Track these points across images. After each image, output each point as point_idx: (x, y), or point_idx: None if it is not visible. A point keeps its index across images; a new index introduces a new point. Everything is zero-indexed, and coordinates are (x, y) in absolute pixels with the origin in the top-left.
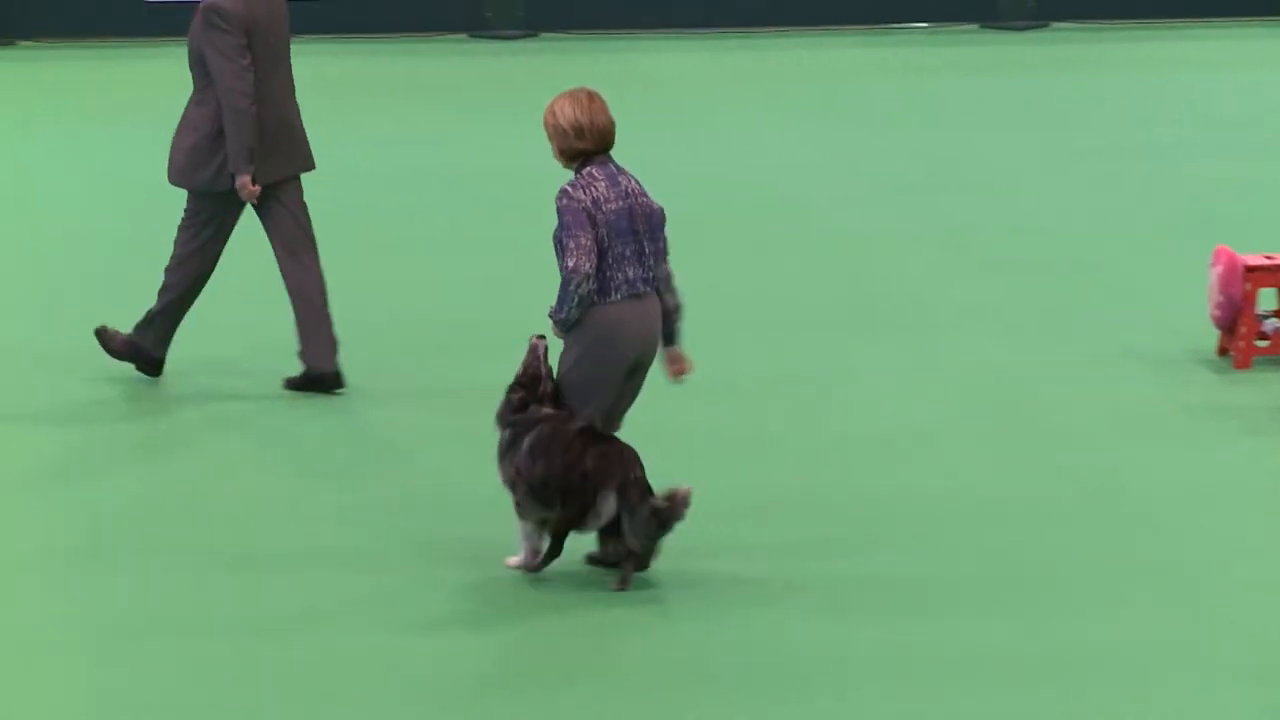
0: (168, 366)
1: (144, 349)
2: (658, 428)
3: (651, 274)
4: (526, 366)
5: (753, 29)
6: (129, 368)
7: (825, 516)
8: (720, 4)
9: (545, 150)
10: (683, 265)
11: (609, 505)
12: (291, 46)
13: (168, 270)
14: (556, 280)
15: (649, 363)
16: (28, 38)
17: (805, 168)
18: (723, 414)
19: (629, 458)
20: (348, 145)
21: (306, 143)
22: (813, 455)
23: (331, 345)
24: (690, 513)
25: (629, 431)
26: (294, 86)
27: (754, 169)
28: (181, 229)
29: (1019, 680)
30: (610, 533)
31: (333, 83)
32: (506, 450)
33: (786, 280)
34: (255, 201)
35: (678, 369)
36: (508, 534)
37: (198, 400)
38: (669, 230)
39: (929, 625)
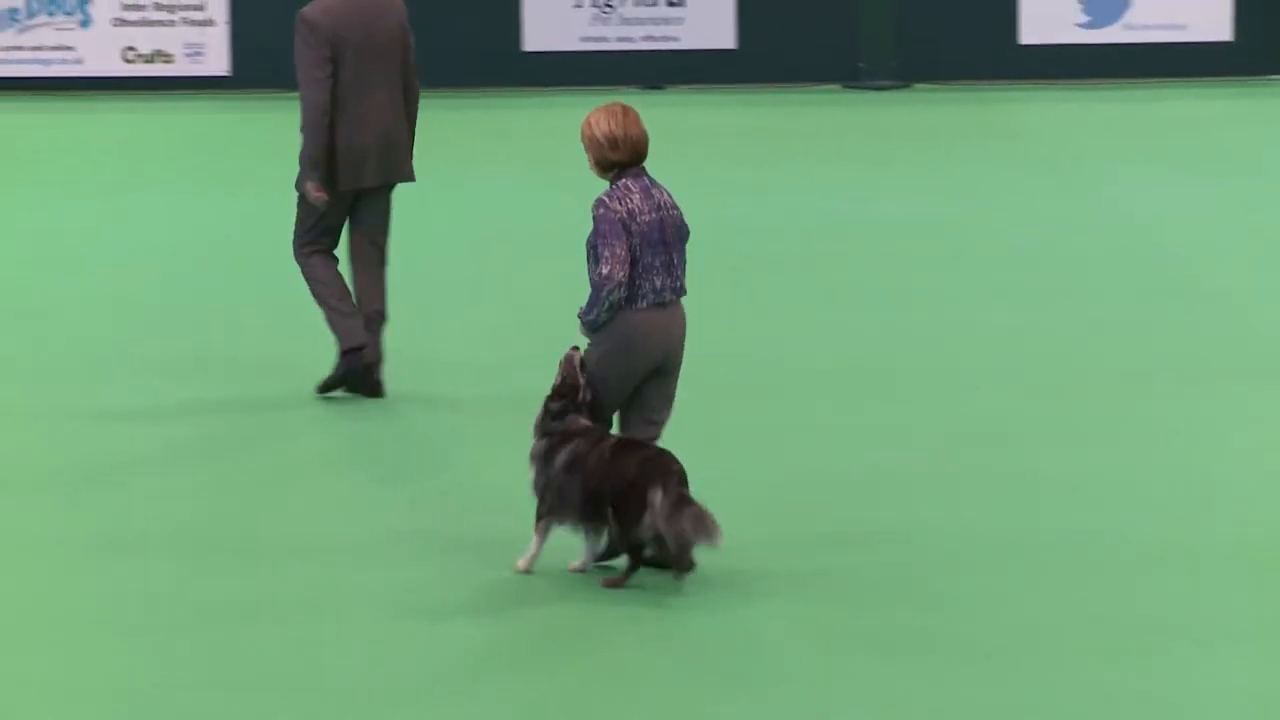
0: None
1: (347, 370)
2: (1045, 471)
3: (676, 283)
4: (564, 377)
5: (1121, 79)
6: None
7: (1208, 559)
8: (1090, 54)
9: (915, 201)
10: (1059, 311)
11: (658, 498)
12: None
13: (309, 284)
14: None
15: (673, 367)
16: None
17: (1178, 219)
18: (1104, 457)
19: (669, 459)
20: (719, 193)
21: (406, 156)
22: (1186, 501)
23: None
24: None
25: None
26: (401, 102)
27: (1127, 220)
28: (294, 231)
29: None
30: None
31: (710, 132)
32: (541, 459)
33: (1165, 328)
34: (323, 206)
35: None
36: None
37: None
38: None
39: None
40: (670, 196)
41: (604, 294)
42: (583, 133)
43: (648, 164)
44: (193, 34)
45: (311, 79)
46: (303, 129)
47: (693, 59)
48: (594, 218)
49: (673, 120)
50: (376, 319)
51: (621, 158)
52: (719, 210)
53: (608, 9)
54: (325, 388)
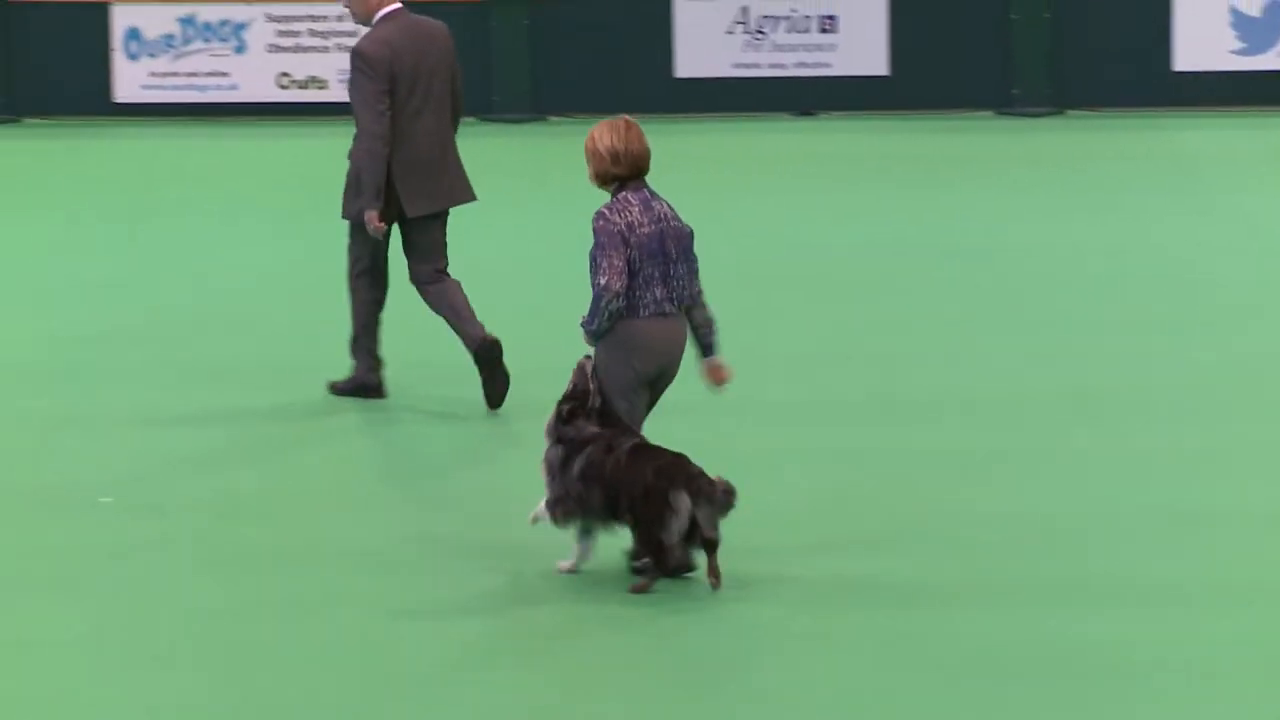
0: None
1: (359, 379)
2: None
3: (677, 295)
4: (575, 384)
5: (1275, 106)
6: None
7: None
8: (1245, 81)
9: (1066, 227)
10: (1207, 338)
11: (684, 502)
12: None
13: (351, 303)
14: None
15: (670, 376)
16: (558, 113)
17: None
18: (1223, 491)
19: (683, 461)
20: (871, 217)
21: (461, 178)
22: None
23: (478, 325)
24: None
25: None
26: (451, 127)
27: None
28: (347, 257)
29: None
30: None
31: (861, 158)
32: (558, 469)
33: None
34: (382, 237)
35: (718, 377)
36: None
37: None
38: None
39: None
40: (671, 208)
41: (603, 304)
42: (586, 146)
43: (664, 180)
44: (346, 60)
45: (374, 111)
46: (354, 157)
47: (845, 85)
48: (594, 230)
49: (824, 146)
50: (490, 345)
51: (622, 172)
52: (870, 233)
53: (760, 36)
54: (338, 390)
